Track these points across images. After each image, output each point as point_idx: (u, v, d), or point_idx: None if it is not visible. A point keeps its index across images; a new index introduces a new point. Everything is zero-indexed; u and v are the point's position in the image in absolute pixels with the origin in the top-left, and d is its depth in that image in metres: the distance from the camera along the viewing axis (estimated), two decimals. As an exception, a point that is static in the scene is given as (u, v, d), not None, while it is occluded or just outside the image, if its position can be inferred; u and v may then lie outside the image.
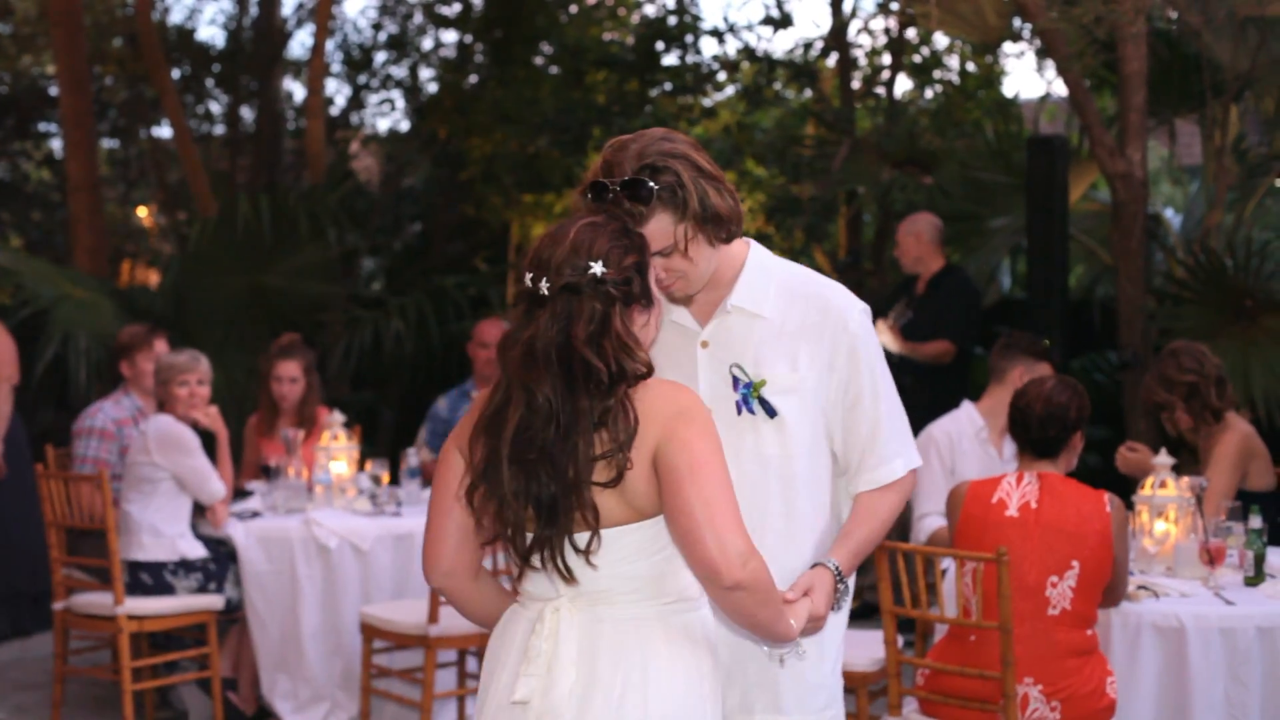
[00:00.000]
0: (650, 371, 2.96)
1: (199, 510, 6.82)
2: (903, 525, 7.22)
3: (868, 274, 11.60)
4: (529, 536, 2.97)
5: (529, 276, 2.97)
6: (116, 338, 7.89)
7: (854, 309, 3.34)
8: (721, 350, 3.33)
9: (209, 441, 6.97)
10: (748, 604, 2.93)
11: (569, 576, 2.96)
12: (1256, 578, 5.33)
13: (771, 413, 3.29)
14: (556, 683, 2.96)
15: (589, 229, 2.98)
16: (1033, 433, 4.99)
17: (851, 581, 3.35)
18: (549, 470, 2.91)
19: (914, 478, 3.44)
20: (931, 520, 6.27)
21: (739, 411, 3.31)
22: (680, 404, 2.94)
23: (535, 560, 2.97)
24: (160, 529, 6.63)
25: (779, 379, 3.30)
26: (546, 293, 2.94)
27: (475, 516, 3.05)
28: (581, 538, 2.94)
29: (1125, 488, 6.30)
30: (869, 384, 3.34)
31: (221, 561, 6.77)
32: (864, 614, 8.50)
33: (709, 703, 3.03)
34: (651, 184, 3.10)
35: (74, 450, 7.48)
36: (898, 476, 3.38)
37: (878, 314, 8.15)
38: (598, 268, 2.94)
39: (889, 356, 7.89)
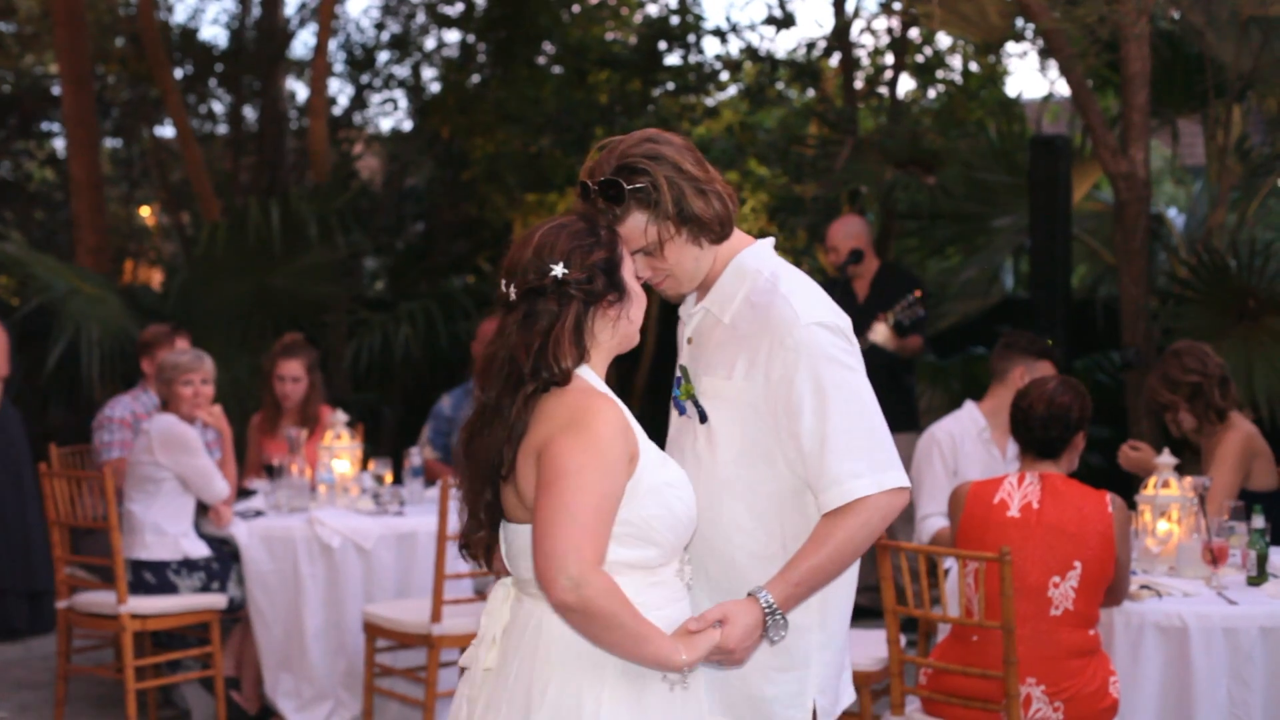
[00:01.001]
0: (563, 381, 3.02)
1: (202, 509, 6.82)
2: (890, 532, 7.23)
3: (819, 276, 11.60)
4: (469, 532, 3.17)
5: (502, 282, 3.07)
6: (139, 335, 7.92)
7: (799, 323, 3.20)
8: (697, 348, 3.38)
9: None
10: (580, 626, 2.94)
11: (491, 568, 3.17)
12: (1259, 577, 5.33)
13: (703, 417, 3.31)
14: (479, 657, 3.12)
15: (553, 231, 3.07)
16: (1035, 433, 4.99)
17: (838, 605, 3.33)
18: (476, 468, 3.08)
19: (892, 501, 3.21)
20: (934, 521, 6.27)
21: (680, 411, 3.38)
22: (576, 414, 2.98)
23: (464, 550, 3.17)
24: (164, 528, 6.63)
25: (711, 385, 3.31)
26: (514, 298, 3.04)
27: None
28: (506, 527, 3.12)
29: (1128, 487, 6.30)
30: (811, 399, 3.18)
31: (224, 560, 6.77)
32: (856, 615, 8.49)
33: (609, 690, 3.01)
34: (625, 184, 3.15)
35: (95, 441, 7.50)
36: (851, 498, 3.17)
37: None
38: (559, 269, 3.01)
39: (884, 356, 7.95)
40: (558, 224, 3.09)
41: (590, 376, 3.08)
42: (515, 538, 3.09)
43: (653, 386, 12.01)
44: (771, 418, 3.24)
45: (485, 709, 3.07)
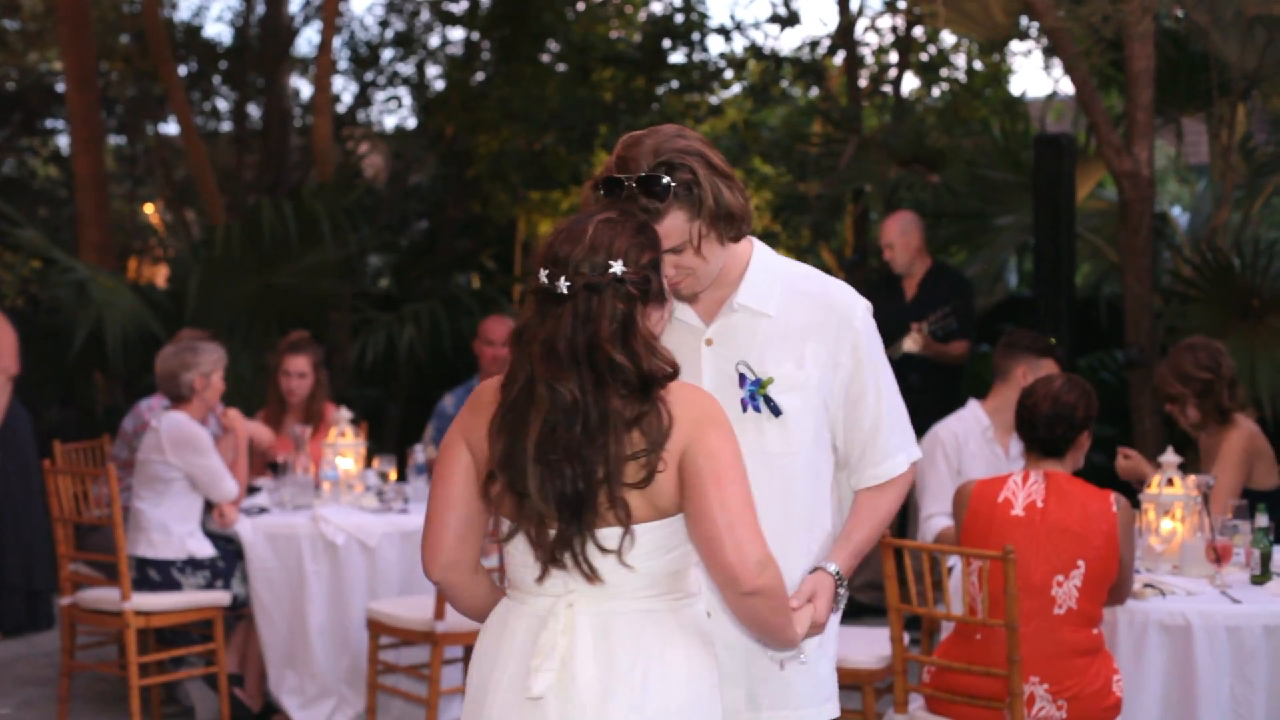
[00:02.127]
0: (677, 372, 2.96)
1: (207, 507, 6.82)
2: (898, 530, 7.23)
3: (874, 272, 11.60)
4: (552, 533, 2.94)
5: (544, 273, 2.95)
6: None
7: (858, 306, 3.36)
8: (726, 348, 3.33)
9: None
10: (762, 610, 2.94)
11: (592, 574, 2.94)
12: (1263, 576, 5.33)
13: (777, 411, 3.29)
14: (576, 676, 2.93)
15: (607, 226, 2.97)
16: (1039, 431, 4.98)
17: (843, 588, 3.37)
18: (576, 468, 2.89)
19: (914, 471, 3.48)
20: (938, 520, 6.27)
21: (744, 409, 3.30)
22: (705, 408, 2.95)
23: (564, 557, 2.95)
24: (170, 527, 6.63)
25: (785, 377, 3.29)
26: (566, 291, 2.91)
27: (491, 510, 3.05)
28: (605, 534, 2.93)
29: (1131, 486, 6.30)
30: (872, 380, 3.36)
31: (229, 559, 6.78)
32: (854, 613, 8.49)
33: (716, 693, 3.04)
34: (668, 180, 3.09)
35: (137, 439, 7.45)
36: (900, 471, 3.42)
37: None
38: (618, 266, 2.92)
39: (902, 358, 7.96)
40: (608, 219, 2.99)
41: None
42: (639, 536, 2.93)
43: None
44: (839, 400, 3.36)
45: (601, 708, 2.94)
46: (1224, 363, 6.14)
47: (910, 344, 7.95)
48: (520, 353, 2.98)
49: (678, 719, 2.95)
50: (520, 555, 3.03)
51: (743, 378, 3.31)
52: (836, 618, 3.43)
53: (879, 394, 3.37)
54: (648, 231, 3.02)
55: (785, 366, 3.30)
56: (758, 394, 3.30)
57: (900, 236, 8.43)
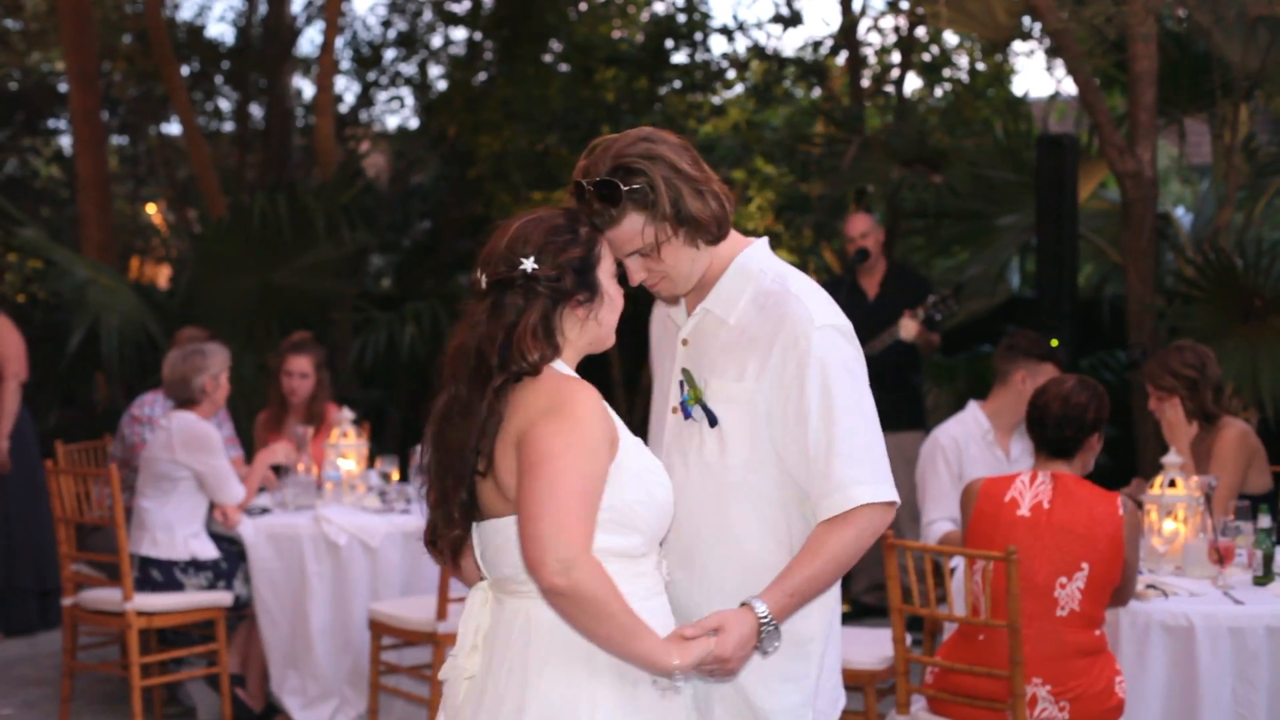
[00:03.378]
0: (534, 371, 2.97)
1: (211, 507, 6.82)
2: (898, 532, 7.23)
3: (836, 276, 11.59)
4: (440, 527, 3.08)
5: (476, 270, 3.04)
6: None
7: (813, 325, 3.18)
8: (695, 350, 3.32)
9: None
10: (572, 614, 2.89)
11: (453, 565, 3.09)
12: (1265, 577, 5.32)
13: (712, 421, 3.25)
14: (460, 666, 3.06)
15: (531, 223, 3.04)
16: (1049, 432, 4.97)
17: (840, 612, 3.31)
18: (449, 462, 3.01)
19: (883, 515, 3.19)
20: (939, 526, 6.26)
21: (685, 415, 3.30)
22: (555, 399, 2.94)
23: (440, 543, 3.09)
24: (174, 528, 6.63)
25: (722, 388, 3.25)
26: (483, 287, 3.01)
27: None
28: (478, 526, 3.05)
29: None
30: (819, 403, 3.16)
31: (231, 559, 6.78)
32: (858, 615, 8.51)
33: (605, 688, 2.98)
34: (621, 185, 3.10)
35: (130, 436, 7.45)
36: (855, 504, 3.14)
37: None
38: (529, 263, 2.98)
39: (893, 355, 7.96)
40: (536, 217, 3.05)
41: (563, 368, 3.05)
42: (493, 534, 3.02)
43: (626, 385, 12.03)
44: (781, 420, 3.20)
45: (474, 716, 3.01)
46: (1210, 364, 6.13)
47: (905, 331, 7.97)
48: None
49: (533, 709, 2.95)
50: None
51: (681, 384, 3.32)
52: (838, 636, 3.35)
53: (829, 418, 3.15)
54: (574, 230, 3.05)
55: (727, 377, 3.25)
56: (688, 403, 3.29)
57: (873, 229, 8.53)
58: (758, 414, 3.21)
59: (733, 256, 3.30)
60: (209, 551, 6.70)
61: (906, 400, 8.45)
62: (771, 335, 3.20)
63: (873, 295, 8.49)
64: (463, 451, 2.97)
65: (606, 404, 3.02)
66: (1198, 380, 6.09)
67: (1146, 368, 6.26)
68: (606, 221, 3.12)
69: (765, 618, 3.08)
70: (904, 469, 8.19)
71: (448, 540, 3.06)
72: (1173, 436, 6.00)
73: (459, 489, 3.00)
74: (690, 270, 3.24)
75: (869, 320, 8.22)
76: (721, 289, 3.29)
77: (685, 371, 3.31)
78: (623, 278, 3.20)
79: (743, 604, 3.11)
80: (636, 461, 3.02)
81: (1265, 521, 5.43)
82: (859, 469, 3.16)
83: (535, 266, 2.97)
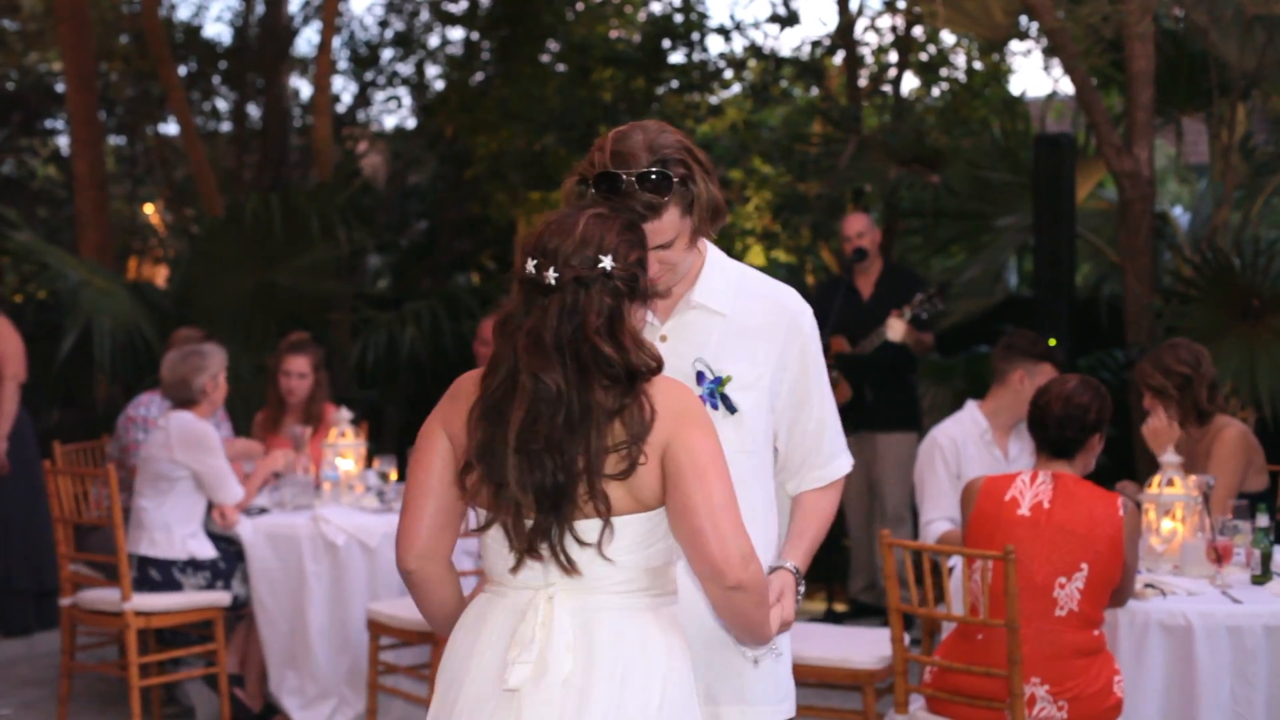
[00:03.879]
0: (661, 366, 2.96)
1: (209, 507, 6.82)
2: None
3: (832, 274, 11.61)
4: (528, 523, 2.93)
5: (532, 263, 2.94)
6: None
7: (806, 311, 3.42)
8: (681, 345, 3.33)
9: None
10: (746, 605, 2.95)
11: (570, 566, 2.93)
12: (1264, 576, 5.33)
13: (733, 409, 3.31)
14: (550, 669, 2.91)
15: (598, 221, 2.97)
16: (1050, 432, 4.96)
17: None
18: (556, 460, 2.89)
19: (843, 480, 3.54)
20: (938, 525, 6.26)
21: (713, 407, 3.32)
22: (687, 403, 2.97)
23: (541, 548, 2.94)
24: (172, 527, 6.64)
25: (741, 376, 3.32)
26: (554, 283, 2.92)
27: (468, 499, 3.04)
28: (584, 526, 2.92)
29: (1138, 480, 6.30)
30: (817, 384, 3.43)
31: (229, 560, 6.78)
32: (855, 614, 8.51)
33: (694, 693, 3.05)
34: (670, 174, 3.11)
35: (126, 438, 7.44)
36: (842, 474, 3.50)
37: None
38: (607, 261, 2.93)
39: (890, 355, 7.99)
40: (599, 214, 2.99)
41: None
42: (619, 529, 2.93)
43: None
44: (786, 398, 3.40)
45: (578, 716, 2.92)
46: (1204, 362, 6.13)
47: (892, 332, 7.99)
48: (504, 342, 2.98)
49: (656, 718, 2.94)
50: (496, 546, 3.02)
51: (700, 375, 3.33)
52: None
53: (823, 397, 3.45)
54: (636, 229, 3.04)
55: (740, 365, 3.32)
56: (716, 392, 3.32)
57: (870, 229, 8.55)
58: (766, 398, 3.35)
59: (703, 253, 3.37)
60: (207, 551, 6.70)
61: (900, 401, 8.46)
62: (773, 322, 3.36)
63: (868, 295, 8.50)
64: (587, 451, 2.89)
65: None
66: (1191, 377, 6.08)
67: (1138, 366, 6.25)
68: (650, 215, 3.12)
69: (798, 575, 3.36)
70: (897, 470, 8.22)
71: (561, 548, 2.93)
72: (1155, 443, 5.96)
73: (591, 491, 2.90)
74: (687, 262, 3.29)
75: (863, 320, 8.25)
76: (706, 283, 3.34)
77: (702, 362, 3.33)
78: None
79: (775, 568, 3.33)
80: None
81: (1263, 520, 5.44)
82: (839, 442, 3.51)
83: (614, 264, 2.94)
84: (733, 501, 2.92)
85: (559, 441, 2.89)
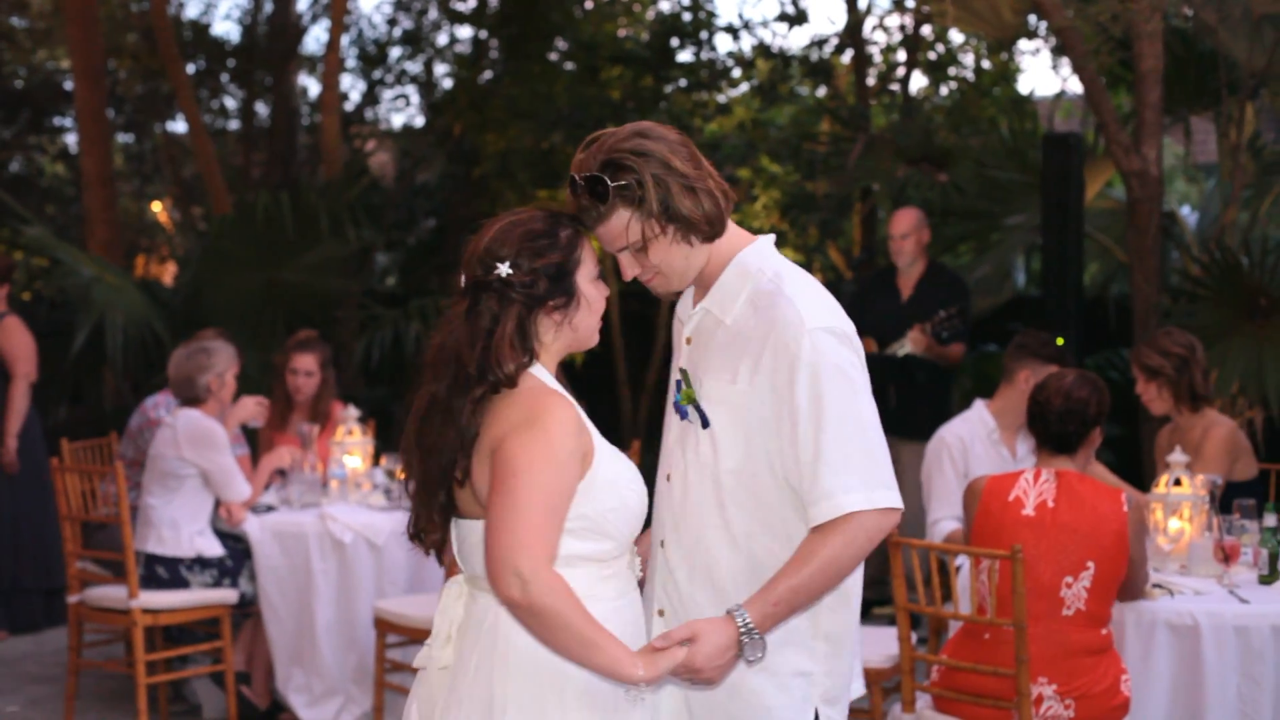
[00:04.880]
0: (511, 383, 3.00)
1: (216, 505, 6.82)
2: (902, 531, 7.21)
3: (871, 271, 11.60)
4: (418, 523, 3.17)
5: (461, 269, 3.08)
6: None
7: (804, 328, 3.11)
8: (696, 349, 3.30)
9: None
10: (529, 624, 2.93)
11: (437, 560, 3.20)
12: (1271, 576, 5.32)
13: (705, 422, 3.23)
14: (434, 656, 3.12)
15: (507, 227, 3.05)
16: (1051, 428, 4.95)
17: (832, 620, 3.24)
18: (426, 463, 3.07)
19: (880, 520, 3.12)
20: (945, 525, 6.25)
21: (681, 415, 3.30)
22: (530, 412, 2.97)
23: (418, 540, 3.17)
24: (180, 525, 6.64)
25: (714, 389, 3.22)
26: (464, 287, 3.05)
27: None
28: (456, 525, 3.12)
29: (1140, 485, 6.29)
30: (808, 408, 3.09)
31: (237, 557, 6.78)
32: (864, 610, 8.48)
33: (572, 703, 3.00)
34: (610, 182, 3.09)
35: (141, 438, 7.43)
36: (839, 513, 3.08)
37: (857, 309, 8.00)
38: (504, 268, 3.00)
39: (924, 364, 7.93)
40: (514, 220, 3.06)
41: (542, 374, 3.07)
42: (468, 534, 3.09)
43: (631, 384, 12.03)
44: (774, 424, 3.14)
45: (445, 709, 3.05)
46: (1198, 348, 6.16)
47: (911, 345, 7.95)
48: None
49: (500, 716, 2.98)
50: None
51: (677, 384, 3.32)
52: (845, 635, 3.29)
53: (819, 424, 3.08)
54: (556, 235, 3.06)
55: (720, 379, 3.21)
56: (682, 403, 3.28)
57: (915, 230, 8.35)
58: (750, 417, 3.17)
59: (733, 254, 3.26)
60: (214, 549, 6.70)
61: (926, 409, 8.29)
62: (763, 338, 3.15)
63: (907, 296, 8.37)
64: (440, 456, 3.04)
65: (583, 415, 3.04)
66: (1188, 359, 6.10)
67: (1134, 351, 6.25)
68: (594, 218, 3.13)
69: (746, 627, 3.04)
70: (916, 481, 8.15)
71: (431, 541, 3.15)
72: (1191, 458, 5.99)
73: (438, 492, 3.08)
74: (685, 267, 3.22)
75: (900, 320, 8.15)
76: (720, 288, 3.26)
77: (683, 371, 3.30)
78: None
79: (727, 612, 3.07)
80: (611, 469, 3.05)
81: (1271, 520, 5.43)
82: (848, 477, 3.09)
83: (510, 271, 2.99)
84: (533, 516, 2.88)
85: (432, 444, 3.06)
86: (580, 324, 3.11)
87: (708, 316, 3.28)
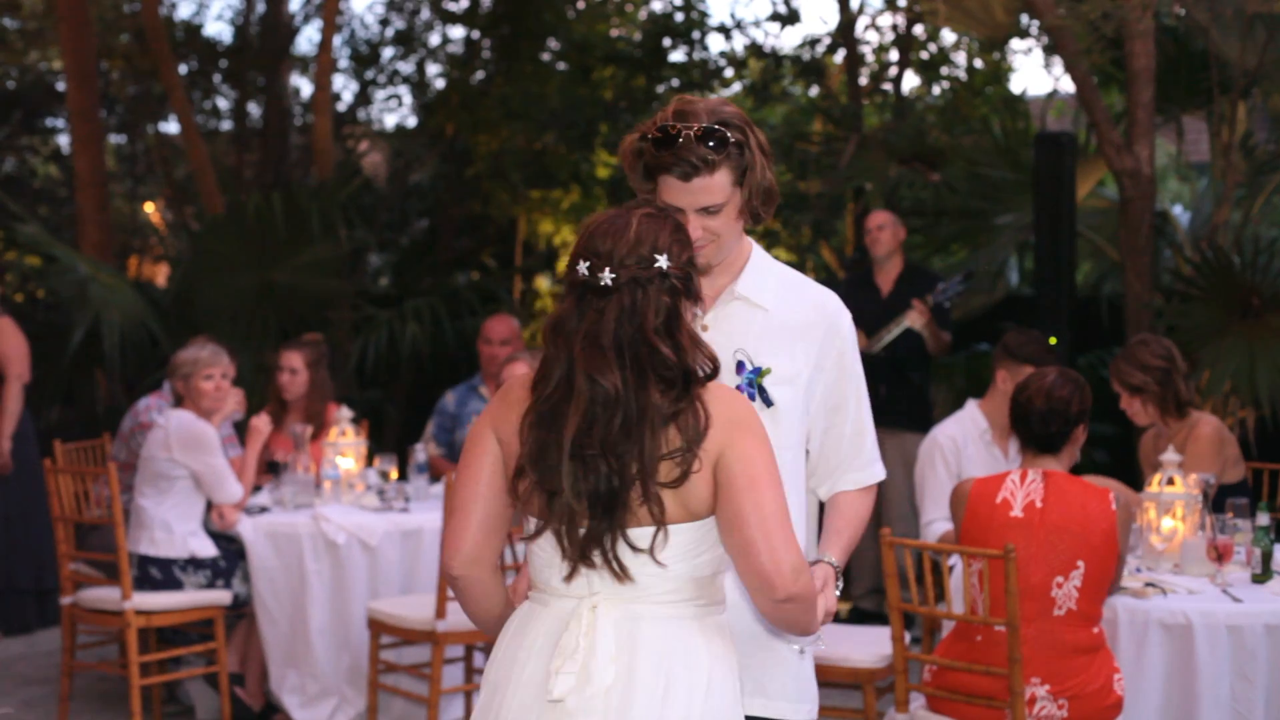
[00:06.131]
0: (717, 370, 2.96)
1: (208, 506, 6.82)
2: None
3: (854, 267, 11.61)
4: (582, 530, 2.90)
5: (585, 265, 2.92)
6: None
7: (845, 315, 3.43)
8: (722, 337, 3.33)
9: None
10: (796, 614, 2.94)
11: (622, 573, 2.90)
12: (1264, 575, 5.33)
13: (769, 402, 3.31)
14: (593, 679, 2.89)
15: (650, 221, 2.97)
16: (1034, 428, 4.96)
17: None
18: (612, 464, 2.86)
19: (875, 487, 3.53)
20: (938, 525, 6.26)
21: (750, 398, 3.31)
22: (740, 410, 2.94)
23: (594, 555, 2.91)
24: (172, 526, 6.64)
25: (780, 369, 3.32)
26: (610, 284, 2.89)
27: (519, 506, 3.00)
28: (636, 533, 2.89)
29: (1134, 485, 6.30)
30: (854, 388, 3.43)
31: (230, 559, 6.78)
32: (857, 619, 8.50)
33: (738, 703, 3.02)
34: (729, 134, 3.18)
35: (135, 441, 7.43)
36: (881, 477, 3.50)
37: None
38: (663, 261, 2.92)
39: (894, 353, 7.97)
40: (649, 214, 2.98)
41: None
42: (671, 538, 2.90)
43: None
44: (821, 401, 3.40)
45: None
46: (1176, 354, 6.16)
47: (911, 319, 7.97)
48: (558, 346, 2.93)
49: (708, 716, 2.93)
50: (546, 554, 2.99)
51: (740, 365, 3.33)
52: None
53: (860, 401, 3.45)
54: (684, 231, 3.04)
55: (780, 359, 3.33)
56: (755, 382, 3.32)
57: (892, 225, 8.51)
58: (803, 396, 3.35)
59: (747, 247, 3.41)
60: (208, 550, 6.70)
61: (910, 400, 8.40)
62: (813, 321, 3.37)
63: (886, 292, 8.46)
64: (642, 456, 2.86)
65: None
66: (1170, 370, 6.10)
67: (1114, 368, 6.25)
68: (700, 168, 3.18)
69: (838, 570, 3.34)
70: (904, 470, 8.19)
71: (613, 555, 2.91)
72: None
73: (645, 496, 2.87)
74: (733, 241, 3.34)
75: (880, 316, 8.22)
76: (751, 276, 3.38)
77: (742, 353, 3.34)
78: None
79: (815, 561, 3.32)
80: None
81: (1264, 519, 5.44)
82: (876, 448, 3.51)
83: (669, 264, 2.94)
84: (784, 513, 2.89)
85: (614, 445, 2.86)
86: (696, 321, 3.13)
87: (738, 303, 3.37)
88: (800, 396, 3.34)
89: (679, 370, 2.88)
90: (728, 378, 3.28)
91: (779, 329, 3.34)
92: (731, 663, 3.02)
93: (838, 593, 3.33)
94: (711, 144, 3.17)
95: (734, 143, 3.19)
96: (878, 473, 3.49)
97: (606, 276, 2.89)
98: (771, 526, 2.86)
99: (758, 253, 3.42)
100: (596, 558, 2.91)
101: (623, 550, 2.90)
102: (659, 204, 3.11)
